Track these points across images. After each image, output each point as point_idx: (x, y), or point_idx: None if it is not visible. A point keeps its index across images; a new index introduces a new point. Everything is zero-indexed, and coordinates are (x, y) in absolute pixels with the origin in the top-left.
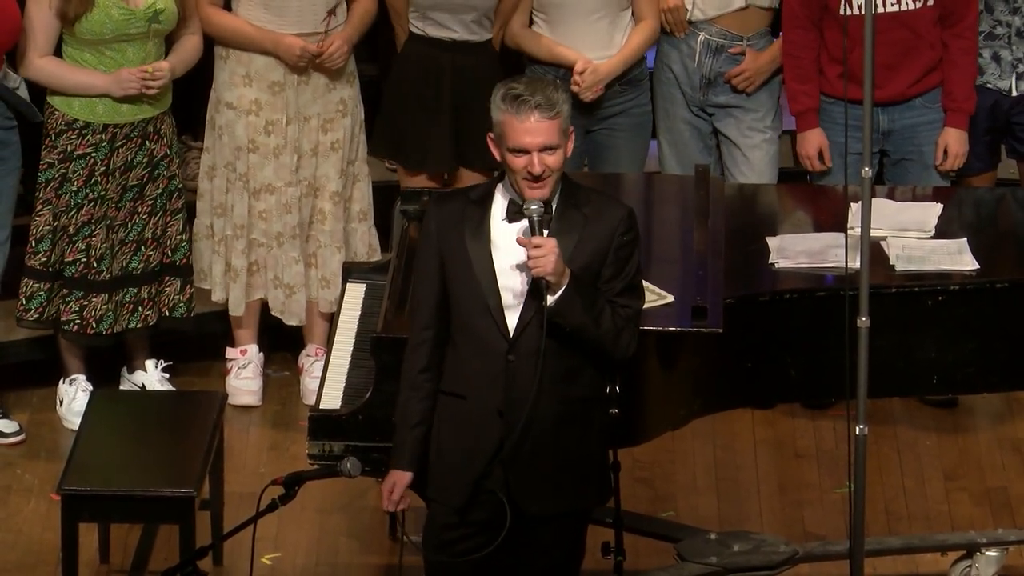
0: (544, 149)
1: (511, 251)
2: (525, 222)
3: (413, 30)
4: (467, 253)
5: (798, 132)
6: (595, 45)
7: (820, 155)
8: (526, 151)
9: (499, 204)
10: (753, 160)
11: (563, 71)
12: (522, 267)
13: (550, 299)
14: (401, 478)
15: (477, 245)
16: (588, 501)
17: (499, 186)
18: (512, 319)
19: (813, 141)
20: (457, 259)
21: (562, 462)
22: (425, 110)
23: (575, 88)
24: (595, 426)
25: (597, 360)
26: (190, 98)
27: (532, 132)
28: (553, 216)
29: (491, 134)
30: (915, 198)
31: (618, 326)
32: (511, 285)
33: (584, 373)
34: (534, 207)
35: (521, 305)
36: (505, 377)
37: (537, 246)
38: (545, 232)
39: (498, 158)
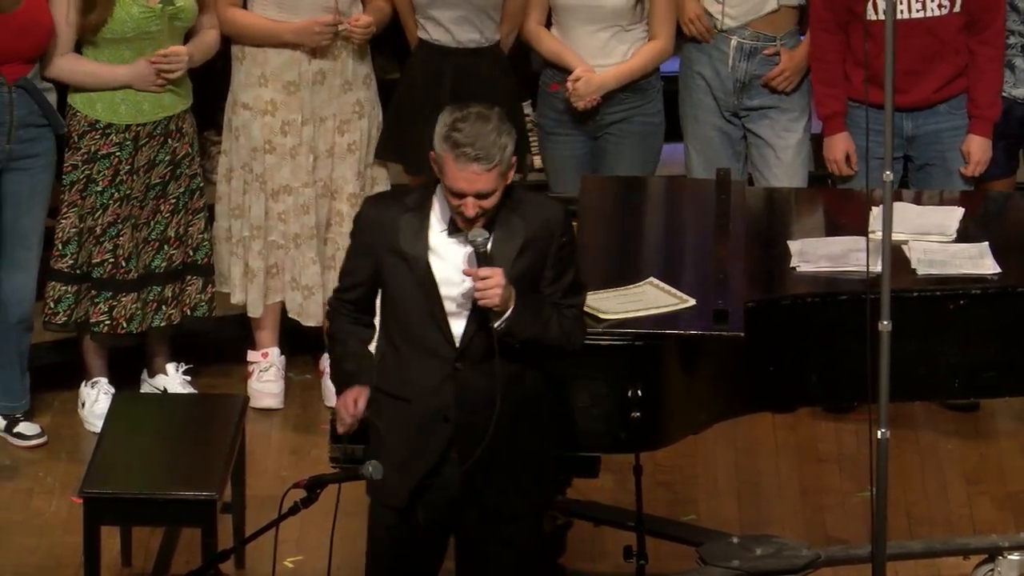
0: (480, 196)
1: (451, 261)
2: (464, 236)
3: (420, 34)
4: (406, 263)
5: (825, 136)
6: (596, 54)
7: (847, 159)
8: (462, 195)
9: (437, 214)
10: (786, 160)
11: (567, 73)
12: (464, 276)
13: (497, 322)
14: (362, 392)
15: (416, 255)
16: (547, 496)
17: (437, 195)
18: (457, 327)
19: (840, 145)
20: (395, 267)
21: (520, 461)
22: (426, 114)
23: (568, 95)
24: (544, 422)
25: (540, 360)
26: (214, 95)
27: (469, 180)
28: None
29: (432, 153)
30: (942, 202)
31: (565, 329)
32: (453, 295)
33: (527, 374)
34: (479, 239)
35: (467, 313)
36: (453, 383)
37: (484, 277)
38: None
39: (436, 175)
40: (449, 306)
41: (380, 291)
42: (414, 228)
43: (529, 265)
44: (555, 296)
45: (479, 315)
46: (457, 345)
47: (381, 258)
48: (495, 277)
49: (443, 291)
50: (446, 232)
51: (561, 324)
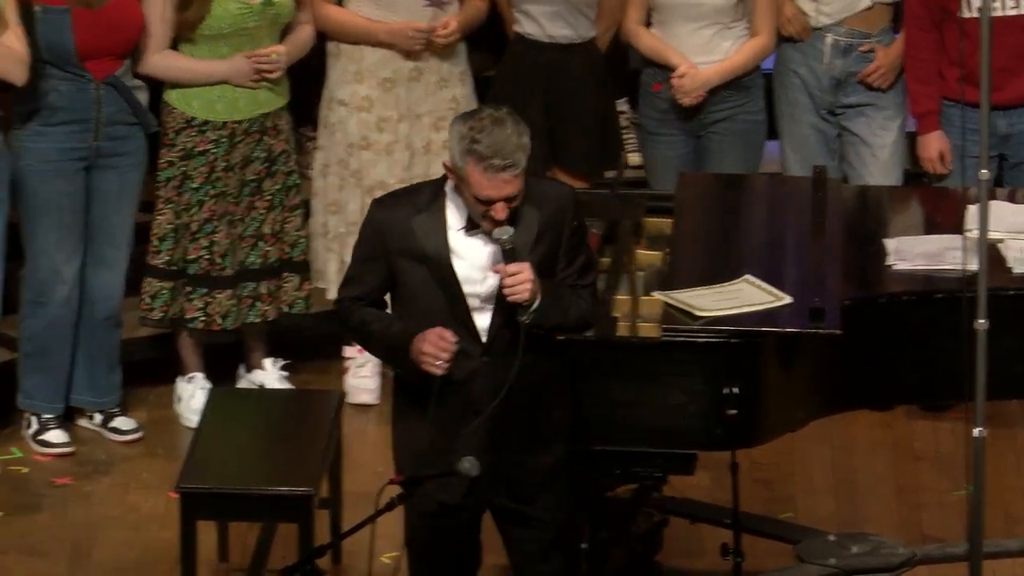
0: (508, 199)
1: (471, 259)
2: (481, 233)
3: (515, 27)
4: (426, 264)
5: (919, 135)
6: (699, 51)
7: (941, 158)
8: (491, 201)
9: (453, 214)
10: (881, 159)
11: (669, 72)
12: (484, 270)
13: (525, 315)
14: (434, 328)
15: (437, 256)
16: (562, 460)
17: (448, 193)
18: (482, 321)
19: (934, 144)
20: (412, 270)
21: (537, 439)
22: (519, 108)
23: (673, 92)
24: (561, 400)
25: (555, 343)
26: (309, 91)
27: (498, 188)
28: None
29: (447, 162)
30: None
31: (583, 310)
32: (477, 291)
33: (543, 358)
34: (505, 236)
35: (490, 307)
36: (482, 377)
37: (513, 274)
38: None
39: (453, 183)
40: (472, 303)
41: (390, 293)
42: (430, 229)
43: (545, 252)
44: (570, 279)
45: (505, 310)
46: (484, 340)
47: (395, 262)
48: (524, 272)
49: (466, 289)
50: (464, 231)
51: (579, 306)
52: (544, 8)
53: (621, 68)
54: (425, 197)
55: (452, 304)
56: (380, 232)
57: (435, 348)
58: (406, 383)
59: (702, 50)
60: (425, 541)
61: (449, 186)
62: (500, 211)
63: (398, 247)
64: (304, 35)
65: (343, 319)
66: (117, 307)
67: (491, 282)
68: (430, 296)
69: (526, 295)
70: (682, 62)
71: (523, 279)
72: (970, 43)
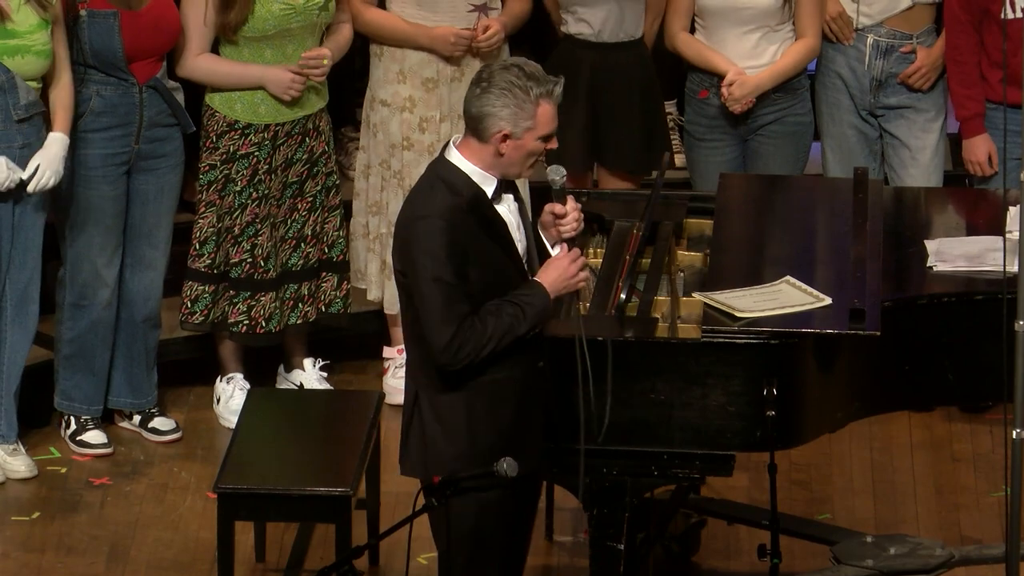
0: None
1: (511, 220)
2: (510, 201)
3: (563, 27)
4: (496, 242)
5: (964, 138)
6: (746, 56)
7: (989, 160)
8: (552, 134)
9: (484, 188)
10: (922, 161)
11: (716, 78)
12: (519, 229)
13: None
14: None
15: (501, 231)
16: None
17: (468, 179)
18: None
19: (982, 147)
20: (490, 252)
21: None
22: (564, 106)
23: (724, 100)
24: None
25: None
26: (351, 91)
27: (555, 115)
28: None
29: (500, 133)
30: None
31: None
32: (521, 250)
33: None
34: (559, 176)
35: (526, 263)
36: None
37: (565, 213)
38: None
39: (499, 153)
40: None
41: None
42: (484, 210)
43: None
44: None
45: (544, 254)
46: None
47: (475, 256)
48: (571, 203)
49: (519, 248)
50: (496, 199)
51: None
52: (593, 9)
53: (672, 71)
54: (453, 187)
55: (514, 266)
56: (457, 240)
57: (575, 263)
58: (470, 381)
59: (749, 55)
60: (493, 527)
61: (460, 165)
62: (554, 140)
63: (473, 244)
64: (345, 35)
65: (476, 347)
66: (157, 308)
67: (523, 241)
68: (502, 270)
69: (581, 225)
70: (729, 68)
71: (576, 214)
72: (1011, 44)
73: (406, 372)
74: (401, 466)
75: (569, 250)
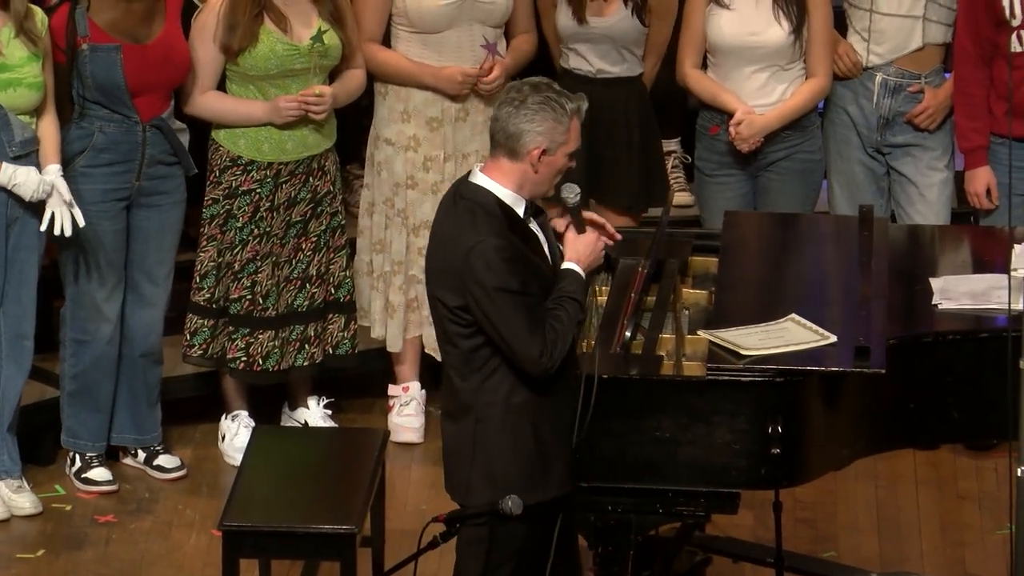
0: None
1: (544, 239)
2: (535, 218)
3: (562, 62)
4: (544, 259)
5: (966, 169)
6: (754, 94)
7: (988, 193)
8: (578, 150)
9: (518, 211)
10: (929, 199)
11: (727, 115)
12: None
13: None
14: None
15: (548, 250)
16: None
17: (501, 201)
18: None
19: (982, 178)
20: (537, 269)
21: None
22: None
23: (731, 139)
24: None
25: None
26: (356, 129)
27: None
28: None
29: (538, 149)
30: None
31: None
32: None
33: None
34: (572, 195)
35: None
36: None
37: (603, 224)
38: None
39: (534, 170)
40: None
41: None
42: (525, 231)
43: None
44: None
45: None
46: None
47: (530, 268)
48: (598, 220)
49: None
50: (530, 219)
51: None
52: (592, 45)
53: (678, 109)
54: (490, 211)
55: (556, 280)
56: (517, 258)
57: (601, 228)
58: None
59: (758, 93)
60: (537, 551)
61: (484, 192)
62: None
63: (525, 259)
64: (355, 82)
65: (562, 346)
66: (157, 344)
67: (551, 254)
68: (549, 279)
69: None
70: (739, 106)
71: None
72: (1018, 76)
73: (451, 406)
74: (460, 496)
75: (572, 220)
